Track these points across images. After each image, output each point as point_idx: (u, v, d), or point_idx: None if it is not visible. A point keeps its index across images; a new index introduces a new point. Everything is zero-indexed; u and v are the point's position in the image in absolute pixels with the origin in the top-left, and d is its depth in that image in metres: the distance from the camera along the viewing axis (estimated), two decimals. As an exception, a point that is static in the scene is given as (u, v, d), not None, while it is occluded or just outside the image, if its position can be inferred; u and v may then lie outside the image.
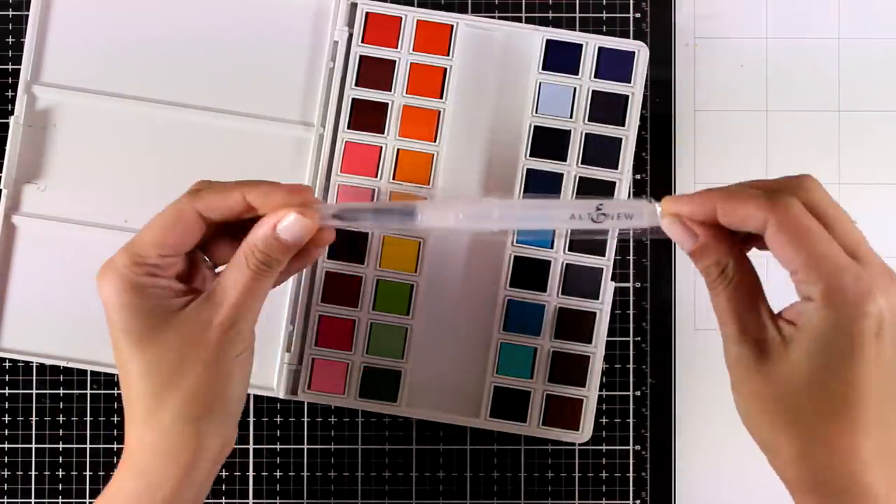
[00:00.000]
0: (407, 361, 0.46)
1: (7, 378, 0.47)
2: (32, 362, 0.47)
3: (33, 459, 0.47)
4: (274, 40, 0.47)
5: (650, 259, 0.47)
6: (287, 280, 0.43)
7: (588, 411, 0.46)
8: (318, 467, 0.47)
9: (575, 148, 0.46)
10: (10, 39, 0.48)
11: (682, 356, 0.47)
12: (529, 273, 0.46)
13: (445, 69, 0.46)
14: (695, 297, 0.48)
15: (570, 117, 0.46)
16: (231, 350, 0.34)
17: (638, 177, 0.47)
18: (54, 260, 0.47)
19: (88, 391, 0.47)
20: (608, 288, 0.46)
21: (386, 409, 0.46)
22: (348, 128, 0.46)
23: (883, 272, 0.30)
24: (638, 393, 0.47)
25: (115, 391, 0.47)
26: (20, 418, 0.47)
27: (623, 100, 0.46)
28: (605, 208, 0.33)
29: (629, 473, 0.47)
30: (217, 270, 0.37)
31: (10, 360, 0.47)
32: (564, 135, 0.46)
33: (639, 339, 0.47)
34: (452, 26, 0.46)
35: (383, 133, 0.46)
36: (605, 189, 0.46)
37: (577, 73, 0.46)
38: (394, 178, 0.46)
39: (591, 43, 0.46)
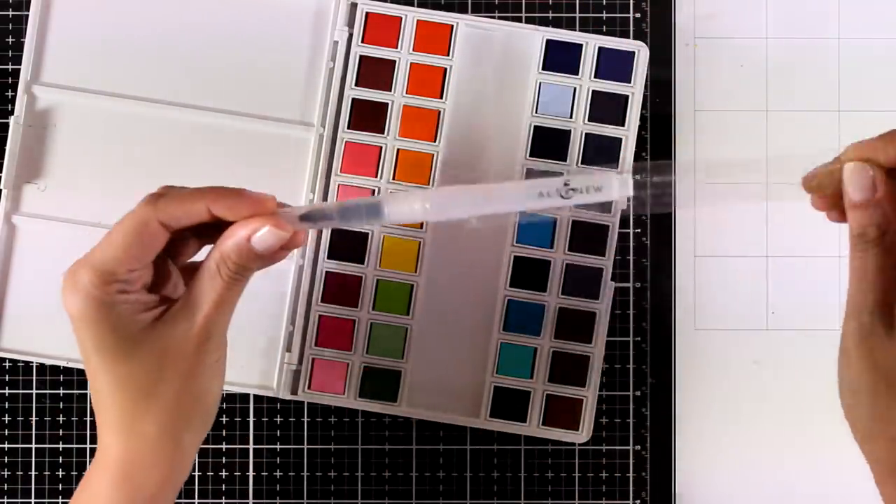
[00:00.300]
0: (407, 361, 0.46)
1: (7, 378, 0.47)
2: (32, 362, 0.47)
3: (33, 459, 0.47)
4: (274, 40, 0.47)
5: (650, 259, 0.47)
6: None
7: (588, 411, 0.46)
8: (318, 467, 0.47)
9: (575, 148, 0.46)
10: (10, 39, 0.48)
11: (682, 356, 0.47)
12: (529, 273, 0.46)
13: (445, 69, 0.46)
14: (695, 297, 0.48)
15: (570, 117, 0.46)
16: (207, 359, 0.34)
17: (638, 177, 0.47)
18: (54, 260, 0.46)
19: (88, 391, 0.47)
20: (608, 288, 0.46)
21: (386, 409, 0.46)
22: (348, 128, 0.46)
23: None
24: (638, 393, 0.47)
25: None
26: (20, 418, 0.47)
27: (623, 100, 0.46)
28: (572, 183, 0.32)
29: (629, 473, 0.47)
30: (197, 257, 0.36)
31: (10, 360, 0.47)
32: (564, 135, 0.46)
33: (639, 338, 0.47)
34: (452, 26, 0.46)
35: (383, 133, 0.46)
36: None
37: (577, 73, 0.46)
38: (394, 178, 0.46)
39: (591, 43, 0.46)
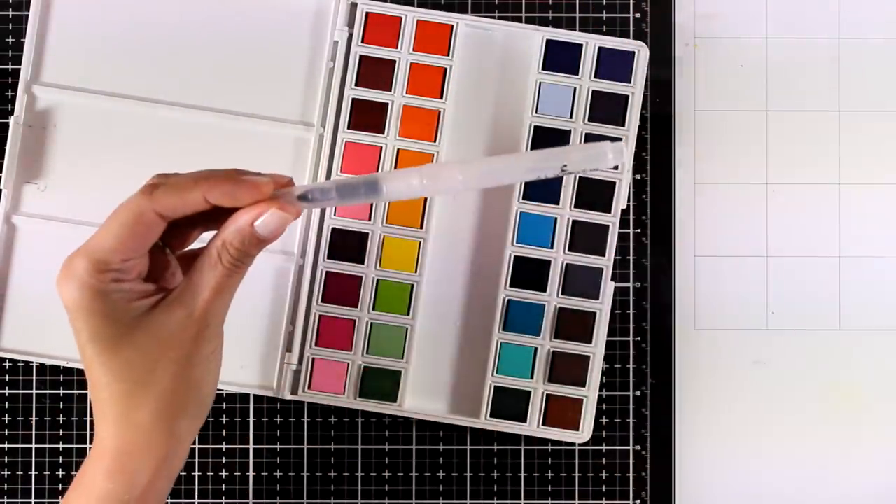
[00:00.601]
0: (407, 361, 0.46)
1: (7, 378, 0.47)
2: (32, 362, 0.47)
3: (33, 459, 0.47)
4: (274, 40, 0.47)
5: (650, 259, 0.47)
6: None
7: (588, 411, 0.46)
8: (318, 467, 0.47)
9: (575, 148, 0.46)
10: (10, 39, 0.48)
11: (682, 356, 0.47)
12: (529, 273, 0.46)
13: (445, 69, 0.46)
14: (695, 297, 0.48)
15: (570, 117, 0.46)
16: (204, 347, 0.34)
17: (638, 177, 0.47)
18: (54, 260, 0.46)
19: (88, 391, 0.47)
20: (608, 288, 0.46)
21: (386, 409, 0.46)
22: (348, 128, 0.46)
23: None
24: (638, 393, 0.47)
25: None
26: (20, 418, 0.47)
27: (623, 100, 0.46)
28: (570, 167, 0.32)
29: (629, 473, 0.47)
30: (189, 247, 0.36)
31: (10, 360, 0.47)
32: (564, 135, 0.46)
33: (639, 339, 0.47)
34: (452, 26, 0.46)
35: (383, 133, 0.46)
36: (606, 189, 0.46)
37: (577, 73, 0.46)
38: (394, 178, 0.46)
39: (591, 43, 0.46)
